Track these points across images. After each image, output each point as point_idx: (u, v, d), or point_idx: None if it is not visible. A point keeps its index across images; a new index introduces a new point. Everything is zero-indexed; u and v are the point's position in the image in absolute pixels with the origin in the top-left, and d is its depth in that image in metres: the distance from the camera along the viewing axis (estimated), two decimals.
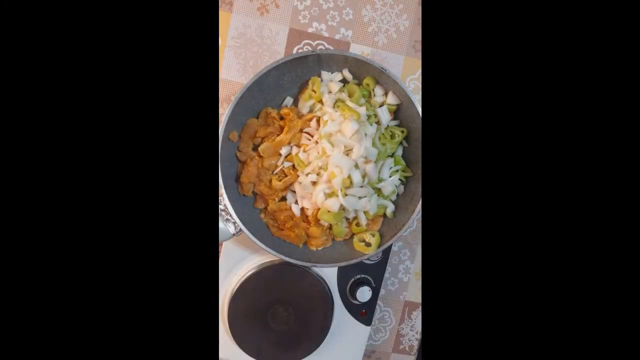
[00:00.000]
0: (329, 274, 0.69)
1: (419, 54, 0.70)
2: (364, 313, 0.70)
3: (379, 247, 0.61)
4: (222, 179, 0.58)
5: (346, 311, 0.69)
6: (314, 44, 0.68)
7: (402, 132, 0.62)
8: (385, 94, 0.61)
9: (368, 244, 0.61)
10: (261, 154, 0.62)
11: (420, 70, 0.70)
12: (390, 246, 0.63)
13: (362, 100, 0.61)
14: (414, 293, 0.75)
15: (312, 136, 0.61)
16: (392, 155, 0.62)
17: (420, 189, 0.59)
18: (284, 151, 0.62)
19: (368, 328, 0.71)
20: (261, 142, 0.63)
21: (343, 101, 0.60)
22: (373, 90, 0.61)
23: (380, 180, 0.61)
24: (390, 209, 0.63)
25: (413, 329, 0.76)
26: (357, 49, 0.69)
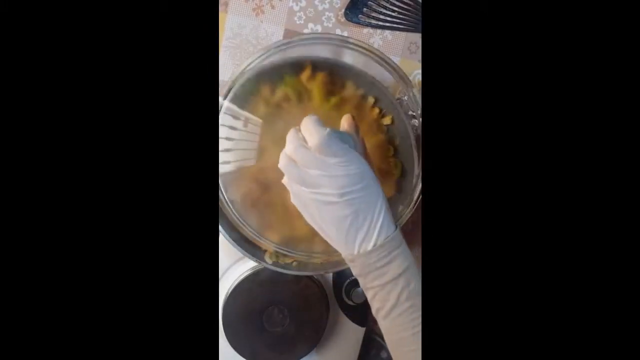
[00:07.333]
0: (324, 275, 0.68)
1: (415, 55, 0.70)
2: (359, 314, 0.69)
3: None
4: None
5: (342, 312, 0.69)
6: None
7: None
8: None
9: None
10: None
11: (415, 72, 0.70)
12: None
13: None
14: None
15: None
16: None
17: (419, 189, 0.58)
18: None
19: (363, 329, 0.71)
20: None
21: None
22: None
23: None
24: None
25: None
26: None
